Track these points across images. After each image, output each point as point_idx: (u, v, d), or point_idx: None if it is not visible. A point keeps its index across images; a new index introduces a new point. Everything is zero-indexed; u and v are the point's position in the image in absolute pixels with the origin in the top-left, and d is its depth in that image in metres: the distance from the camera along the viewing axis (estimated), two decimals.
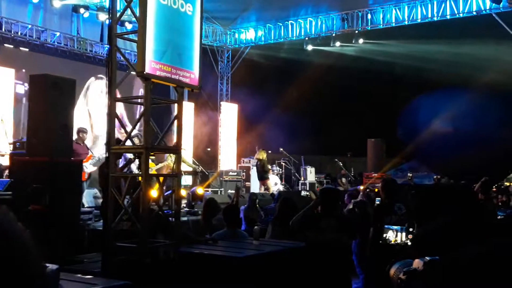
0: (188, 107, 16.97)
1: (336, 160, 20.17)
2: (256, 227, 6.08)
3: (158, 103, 6.02)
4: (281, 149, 17.98)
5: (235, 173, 16.03)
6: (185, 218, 8.85)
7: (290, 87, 20.30)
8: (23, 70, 13.45)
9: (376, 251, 5.61)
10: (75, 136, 9.36)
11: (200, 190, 10.99)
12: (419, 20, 16.67)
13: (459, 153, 19.62)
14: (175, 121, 5.52)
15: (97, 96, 16.32)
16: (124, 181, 6.85)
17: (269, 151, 19.65)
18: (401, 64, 19.68)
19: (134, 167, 8.69)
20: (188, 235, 5.95)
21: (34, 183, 6.26)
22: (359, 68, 20.30)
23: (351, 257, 6.88)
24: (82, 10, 15.62)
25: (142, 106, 5.41)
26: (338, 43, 18.56)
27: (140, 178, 5.44)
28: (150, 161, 10.95)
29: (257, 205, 9.68)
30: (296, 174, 18.26)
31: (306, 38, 18.67)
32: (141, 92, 16.47)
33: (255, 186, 16.49)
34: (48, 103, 7.57)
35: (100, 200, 9.27)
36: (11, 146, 9.39)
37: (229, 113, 19.29)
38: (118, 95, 5.90)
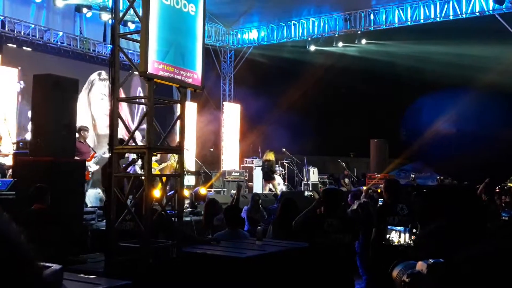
0: (191, 107, 16.98)
1: (339, 160, 20.15)
2: (259, 227, 6.07)
3: (161, 103, 6.02)
4: (284, 150, 17.96)
5: (238, 173, 16.02)
6: (188, 218, 8.86)
7: (292, 88, 20.29)
8: (19, 68, 13.41)
9: (379, 252, 5.60)
10: (76, 135, 9.37)
11: (203, 190, 11.00)
12: (422, 21, 16.65)
13: (462, 153, 19.60)
14: (178, 121, 5.52)
15: (101, 96, 16.34)
16: (127, 181, 6.87)
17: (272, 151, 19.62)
18: (403, 64, 19.67)
19: (137, 167, 8.71)
20: (190, 235, 5.95)
21: (37, 183, 6.26)
22: (361, 68, 20.30)
23: (354, 258, 6.88)
24: (85, 10, 15.62)
25: (142, 106, 5.40)
26: (340, 44, 18.55)
27: (143, 178, 5.44)
28: (153, 161, 11.02)
29: (260, 206, 9.67)
30: (299, 174, 18.25)
31: (309, 39, 18.66)
32: (139, 91, 16.65)
33: (257, 186, 16.48)
34: (51, 103, 7.58)
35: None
36: (15, 145, 9.41)
37: (231, 113, 19.29)
38: (122, 95, 5.90)
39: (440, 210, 3.15)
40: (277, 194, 13.70)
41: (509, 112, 19.88)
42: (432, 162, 22.39)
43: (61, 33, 15.71)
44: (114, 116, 5.21)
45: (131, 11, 5.34)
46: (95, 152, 10.91)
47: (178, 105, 5.62)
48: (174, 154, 9.42)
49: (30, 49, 14.90)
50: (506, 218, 7.20)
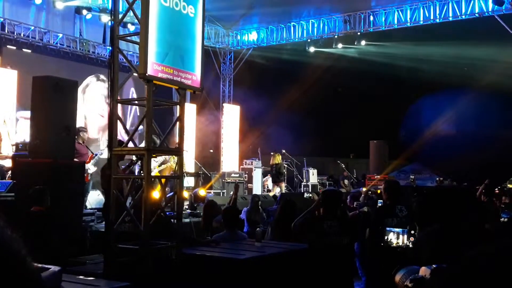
0: (190, 109, 16.98)
1: (338, 162, 20.15)
2: (258, 229, 6.07)
3: (160, 105, 6.02)
4: (284, 151, 17.97)
5: (237, 175, 16.03)
6: (187, 220, 8.86)
7: (292, 89, 20.30)
8: (8, 67, 13.38)
9: (377, 253, 5.60)
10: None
11: (202, 192, 11.00)
12: (421, 22, 16.66)
13: (462, 154, 19.60)
14: (177, 123, 5.52)
15: (95, 99, 16.31)
16: (126, 182, 6.87)
17: (272, 153, 19.62)
18: (403, 65, 19.68)
19: (136, 169, 8.70)
20: (190, 237, 5.95)
21: (37, 185, 6.26)
22: (361, 70, 20.30)
23: (353, 260, 6.88)
24: (84, 12, 15.65)
25: (135, 107, 5.39)
26: (340, 45, 18.56)
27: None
28: (157, 163, 11.02)
29: (260, 207, 9.67)
30: (298, 175, 18.26)
31: (308, 40, 18.68)
32: (132, 91, 16.63)
33: (257, 187, 16.50)
34: (51, 105, 7.58)
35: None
36: (14, 147, 9.41)
37: (231, 115, 19.29)
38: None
39: (439, 212, 3.15)
40: (276, 195, 13.72)
41: (509, 112, 19.88)
42: (431, 163, 22.39)
43: (60, 35, 15.73)
44: (113, 117, 5.21)
45: (131, 13, 5.34)
46: (93, 154, 10.91)
47: (178, 107, 5.62)
48: (174, 156, 9.42)
49: (29, 51, 14.91)
50: (506, 219, 7.20)
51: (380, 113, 22.70)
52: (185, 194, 10.23)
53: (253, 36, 19.77)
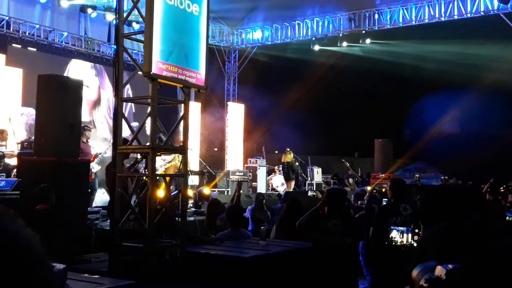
0: (195, 107, 16.99)
1: (343, 160, 20.15)
2: (262, 227, 6.08)
3: (165, 103, 6.03)
4: (288, 149, 17.98)
5: (242, 173, 16.04)
6: (191, 218, 8.87)
7: (296, 87, 20.29)
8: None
9: (382, 252, 5.59)
10: None
11: (206, 190, 11.00)
12: (426, 20, 16.60)
13: (466, 153, 19.55)
14: (182, 121, 5.52)
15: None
16: (131, 181, 6.88)
17: (276, 151, 19.66)
18: (408, 64, 19.64)
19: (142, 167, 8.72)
20: (194, 235, 5.96)
21: (42, 183, 6.28)
22: (366, 68, 20.27)
23: (357, 258, 6.87)
24: (89, 10, 15.67)
25: (131, 104, 5.40)
26: (345, 43, 18.52)
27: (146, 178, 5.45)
28: (165, 162, 11.04)
29: (264, 205, 9.67)
30: (303, 174, 18.25)
31: (313, 38, 18.64)
32: (127, 88, 16.60)
33: (261, 186, 16.50)
34: (56, 103, 7.60)
35: None
36: (19, 145, 9.44)
37: (235, 113, 19.29)
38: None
39: (443, 210, 3.14)
40: (280, 194, 13.72)
41: None
42: (436, 162, 22.36)
43: (65, 34, 15.76)
44: (118, 116, 5.22)
45: (136, 12, 5.35)
46: (97, 152, 10.93)
47: (182, 105, 5.62)
48: (178, 154, 9.44)
49: (35, 49, 14.95)
50: (511, 218, 7.18)
51: (385, 112, 22.68)
52: (190, 192, 10.24)
53: (257, 35, 19.75)
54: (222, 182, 15.58)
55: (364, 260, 7.18)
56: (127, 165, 8.45)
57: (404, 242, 5.23)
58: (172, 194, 7.01)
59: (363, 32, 17.79)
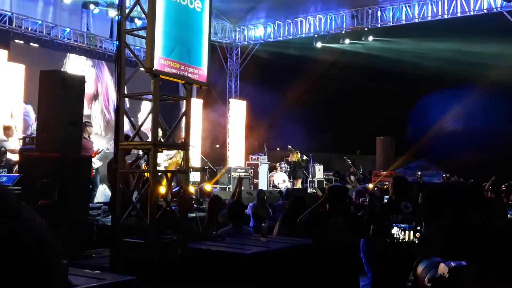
0: (197, 104, 17.00)
1: (345, 157, 20.12)
2: (263, 224, 6.07)
3: (167, 99, 6.02)
4: (290, 147, 17.98)
5: (243, 170, 16.05)
6: (193, 215, 8.87)
7: (298, 85, 20.27)
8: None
9: (383, 249, 5.59)
10: None
11: (208, 187, 11.02)
12: (429, 18, 16.57)
13: (468, 151, 19.53)
14: (183, 118, 5.52)
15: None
16: (133, 177, 6.88)
17: (278, 148, 19.65)
18: (410, 61, 19.61)
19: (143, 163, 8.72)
20: (195, 231, 5.96)
21: (44, 179, 6.28)
22: (368, 65, 20.25)
23: (359, 255, 6.87)
24: (92, 6, 15.67)
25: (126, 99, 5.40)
26: (347, 41, 18.50)
27: (147, 174, 5.45)
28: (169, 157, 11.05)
29: (266, 202, 9.67)
30: (304, 171, 18.24)
31: (316, 35, 18.62)
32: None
33: (263, 183, 16.51)
34: (58, 99, 7.59)
35: None
36: (21, 141, 9.44)
37: (237, 110, 19.29)
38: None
39: (445, 208, 3.14)
40: (282, 191, 13.72)
41: None
42: (438, 159, 22.34)
43: (68, 29, 15.77)
44: (120, 112, 5.22)
45: (138, 8, 5.34)
46: (99, 149, 10.94)
47: (184, 102, 5.62)
48: (180, 151, 9.44)
49: (37, 45, 14.95)
50: None
51: (387, 109, 22.66)
52: (191, 189, 10.25)
53: (260, 32, 19.74)
54: (224, 179, 15.59)
55: (365, 257, 7.17)
56: (129, 161, 8.47)
57: (406, 239, 5.22)
58: (173, 190, 7.02)
59: (366, 29, 17.78)
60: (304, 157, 17.53)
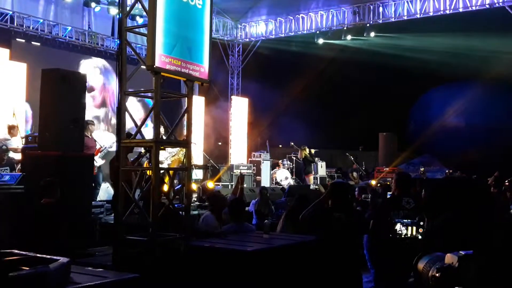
0: (199, 101, 16.99)
1: (347, 154, 20.09)
2: (266, 221, 6.07)
3: (168, 97, 6.02)
4: (292, 143, 17.98)
5: (246, 167, 16.04)
6: (195, 212, 8.88)
7: (300, 81, 20.24)
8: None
9: (386, 245, 5.58)
10: None
11: (210, 184, 11.01)
12: (431, 14, 16.52)
13: (471, 147, 19.50)
14: (185, 115, 5.52)
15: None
16: (135, 174, 6.89)
17: (280, 145, 19.65)
18: (412, 57, 19.55)
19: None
20: (198, 229, 5.96)
21: (46, 177, 6.28)
22: (370, 61, 20.20)
23: (361, 252, 6.86)
24: (93, 5, 15.66)
25: None
26: (349, 37, 18.45)
27: (150, 172, 5.45)
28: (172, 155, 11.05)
29: (269, 200, 9.67)
30: (314, 166, 18.20)
31: (317, 32, 18.58)
32: None
33: (265, 180, 16.51)
34: (59, 97, 7.60)
35: None
36: (23, 140, 9.46)
37: (239, 107, 19.27)
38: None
39: (449, 203, 3.12)
40: (284, 188, 13.73)
41: None
42: (440, 155, 22.31)
43: (69, 28, 15.77)
44: (122, 109, 5.22)
45: (139, 5, 5.34)
46: (101, 147, 10.95)
47: (186, 99, 5.61)
48: (182, 148, 9.44)
49: (38, 44, 14.96)
50: None
51: (389, 105, 22.61)
52: (194, 186, 10.26)
53: (261, 28, 19.71)
54: (226, 176, 15.59)
55: (368, 253, 7.17)
56: (131, 159, 8.47)
57: (409, 235, 5.22)
58: (176, 188, 7.02)
59: (368, 25, 17.73)
60: (313, 151, 17.54)
